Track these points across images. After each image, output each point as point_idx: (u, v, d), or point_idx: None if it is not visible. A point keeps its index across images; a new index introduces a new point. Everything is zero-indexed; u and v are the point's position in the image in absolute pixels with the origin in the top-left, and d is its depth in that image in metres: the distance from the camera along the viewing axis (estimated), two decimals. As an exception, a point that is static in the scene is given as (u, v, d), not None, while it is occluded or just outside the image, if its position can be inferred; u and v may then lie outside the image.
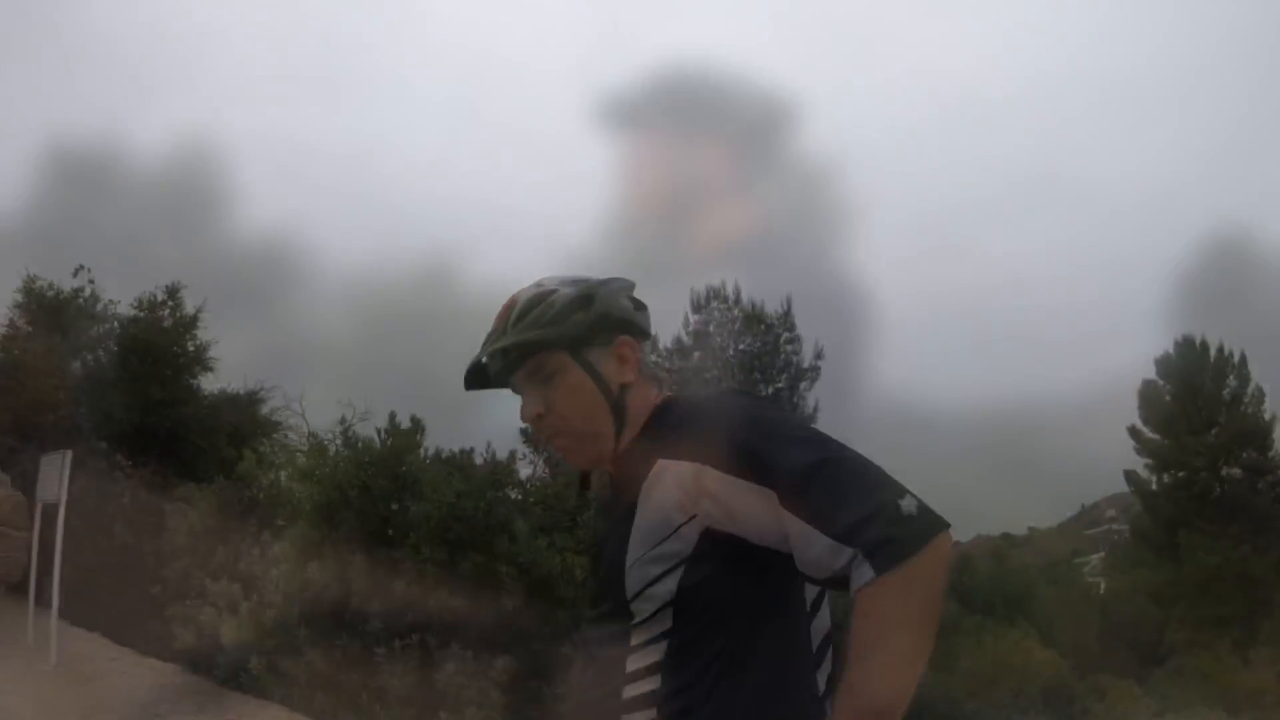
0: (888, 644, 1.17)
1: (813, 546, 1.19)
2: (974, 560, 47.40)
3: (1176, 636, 28.58)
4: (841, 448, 1.28)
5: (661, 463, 1.32)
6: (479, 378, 1.48)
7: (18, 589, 9.72)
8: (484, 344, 1.44)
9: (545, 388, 1.39)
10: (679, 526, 1.28)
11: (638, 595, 1.30)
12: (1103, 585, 40.09)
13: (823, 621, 1.37)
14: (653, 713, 1.27)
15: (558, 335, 1.38)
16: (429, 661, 6.18)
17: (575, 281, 1.44)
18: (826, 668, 1.34)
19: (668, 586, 1.28)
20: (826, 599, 1.37)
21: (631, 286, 1.49)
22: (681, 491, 1.28)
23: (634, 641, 1.30)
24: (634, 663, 1.30)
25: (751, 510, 1.24)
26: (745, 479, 1.24)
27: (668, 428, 1.39)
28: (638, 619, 1.30)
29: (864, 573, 1.15)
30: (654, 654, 1.29)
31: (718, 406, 1.40)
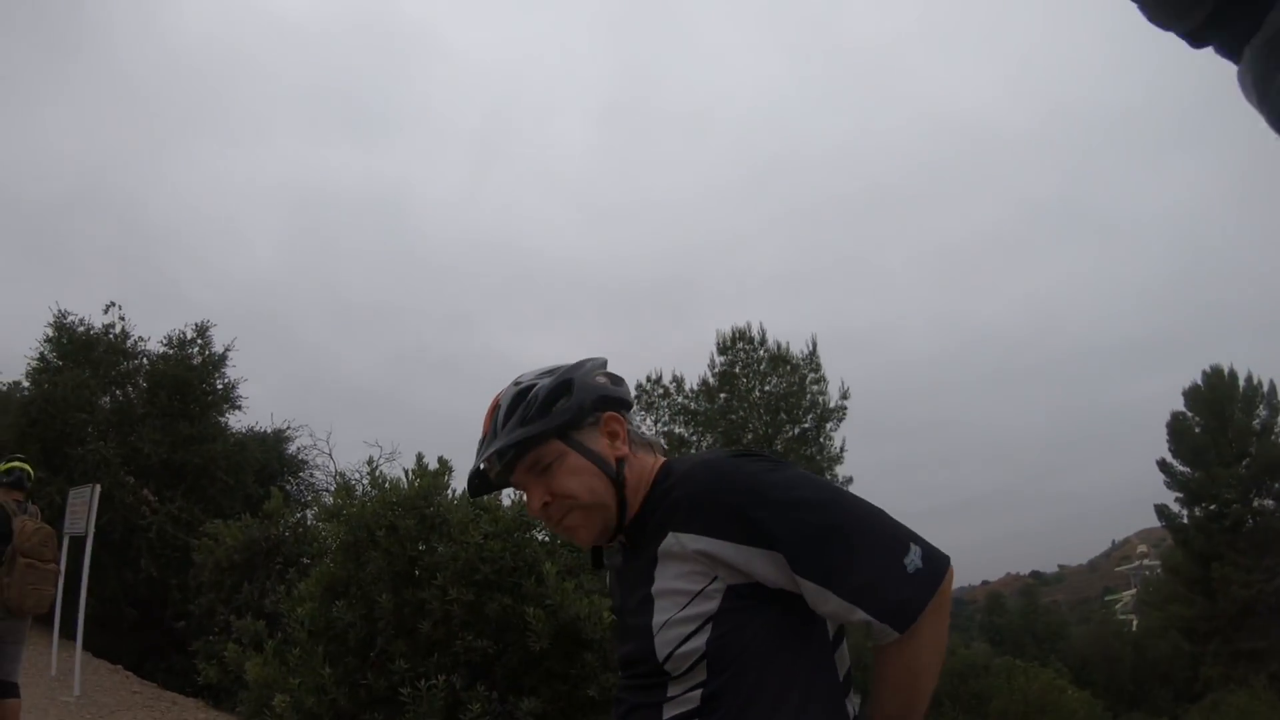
0: (917, 687, 1.32)
1: (828, 603, 1.30)
2: (1004, 599, 46.93)
3: (1211, 672, 28.09)
4: (840, 502, 1.35)
5: (674, 535, 1.39)
6: (482, 484, 1.56)
7: (42, 620, 9.78)
8: (478, 452, 1.52)
9: (546, 477, 1.47)
10: (702, 589, 1.35)
11: (669, 657, 1.36)
12: (1135, 622, 39.52)
13: (845, 652, 1.44)
14: None
15: (546, 426, 1.46)
16: (455, 702, 6.14)
17: (550, 371, 1.54)
18: (854, 697, 1.41)
19: (697, 644, 1.34)
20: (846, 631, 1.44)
21: (604, 364, 1.59)
22: (698, 560, 1.36)
23: (670, 693, 1.36)
24: (670, 710, 1.36)
25: (768, 571, 1.33)
26: (756, 546, 1.32)
27: (673, 496, 1.44)
28: (673, 675, 1.36)
29: (885, 632, 1.28)
30: (689, 702, 1.34)
31: (718, 473, 1.41)
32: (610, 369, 1.61)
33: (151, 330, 13.80)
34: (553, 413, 1.47)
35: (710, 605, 1.34)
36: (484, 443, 1.51)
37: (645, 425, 21.05)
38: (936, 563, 1.30)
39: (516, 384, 1.52)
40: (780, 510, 1.31)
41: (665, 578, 1.39)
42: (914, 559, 1.28)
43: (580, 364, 1.55)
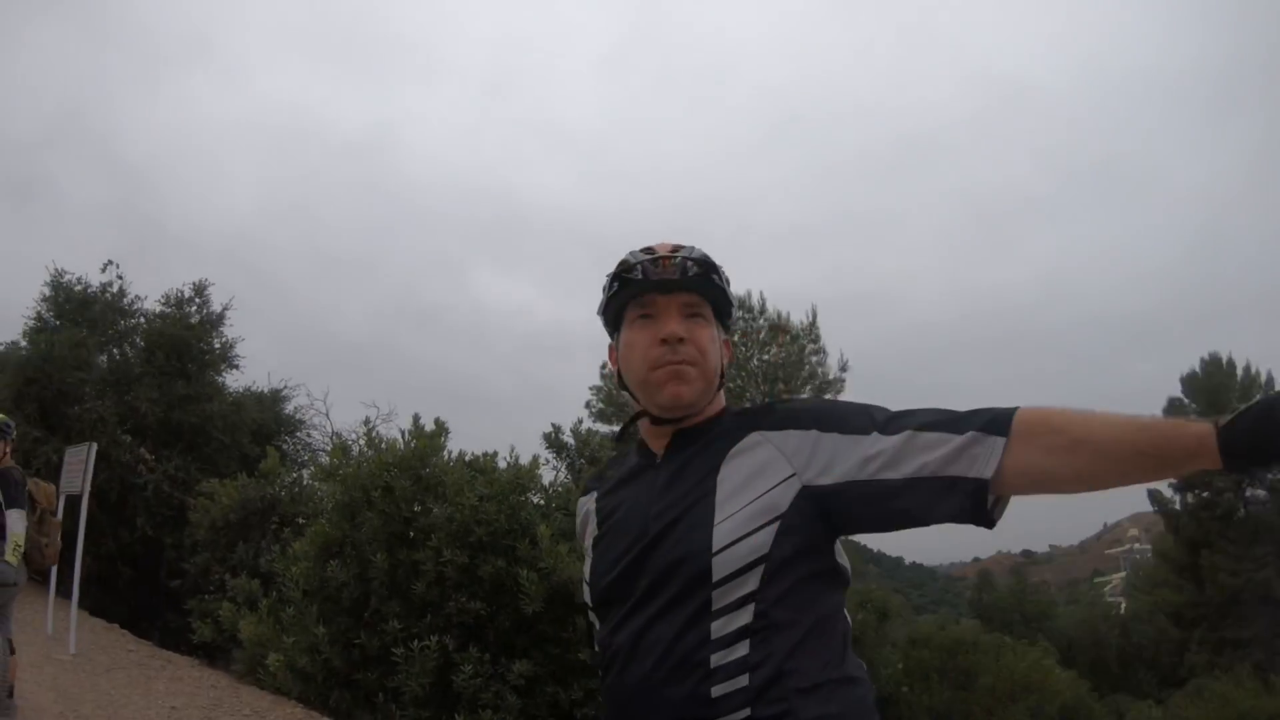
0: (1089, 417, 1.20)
1: (919, 446, 1.26)
2: (994, 576, 47.24)
3: (1197, 658, 28.31)
4: None
5: (759, 434, 1.40)
6: (628, 277, 1.51)
7: (39, 578, 9.82)
8: (676, 246, 1.52)
9: (690, 323, 1.48)
10: (778, 484, 1.34)
11: (724, 549, 1.31)
12: (1123, 605, 39.79)
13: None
14: (745, 679, 1.27)
15: (725, 293, 1.54)
16: (446, 664, 6.18)
17: None
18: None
19: (763, 540, 1.31)
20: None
21: None
22: (782, 454, 1.36)
23: (716, 605, 1.30)
24: (720, 628, 1.29)
25: (850, 454, 1.31)
26: (851, 433, 1.32)
27: (750, 414, 1.47)
28: (719, 577, 1.30)
29: (991, 442, 1.21)
30: (742, 618, 1.29)
31: (804, 399, 1.51)
32: None
33: (143, 283, 13.67)
34: (730, 295, 1.56)
35: (781, 500, 1.32)
36: (681, 249, 1.52)
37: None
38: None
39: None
40: (864, 411, 1.36)
41: (736, 469, 1.38)
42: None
43: None
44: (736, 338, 21.73)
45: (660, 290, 1.49)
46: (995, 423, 1.21)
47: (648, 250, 1.51)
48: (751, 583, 1.29)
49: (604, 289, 1.56)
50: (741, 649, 1.28)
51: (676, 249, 1.50)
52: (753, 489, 1.34)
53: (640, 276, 1.49)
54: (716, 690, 1.27)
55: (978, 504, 1.21)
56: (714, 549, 1.31)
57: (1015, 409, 1.22)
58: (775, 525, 1.31)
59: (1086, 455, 1.17)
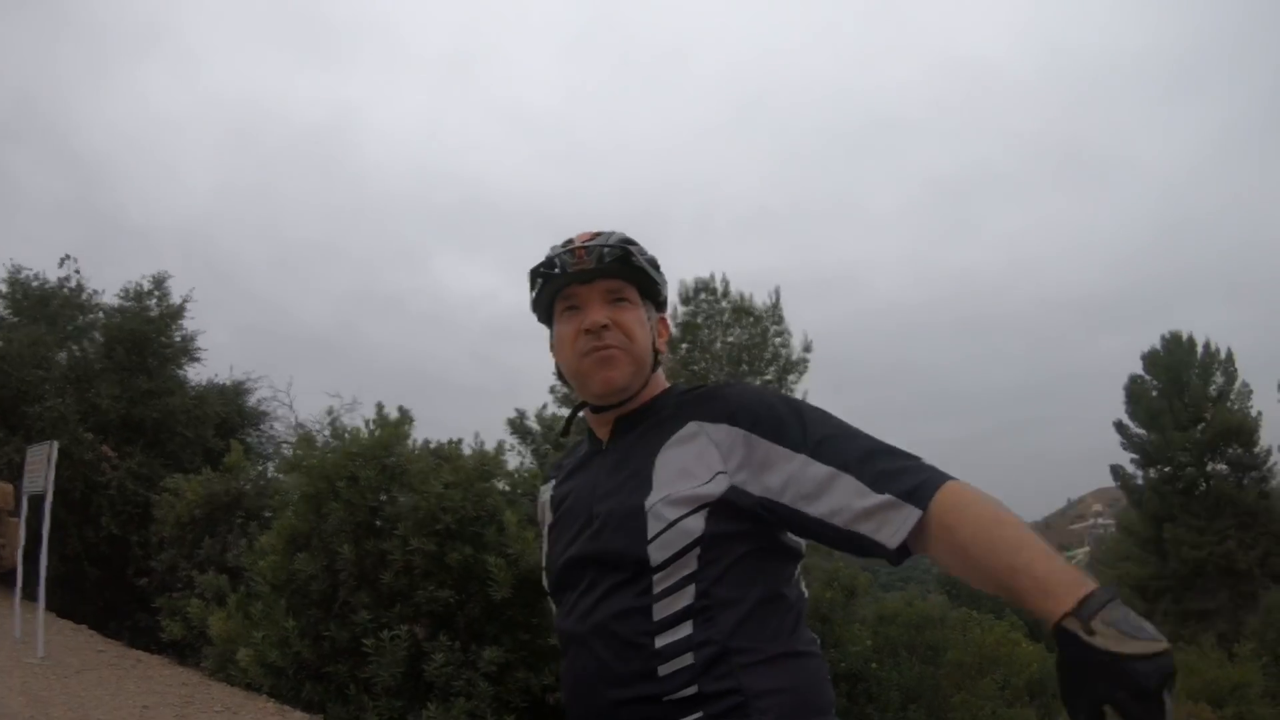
0: (1001, 518, 1.19)
1: (838, 491, 1.27)
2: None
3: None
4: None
5: (696, 424, 1.42)
6: (549, 271, 1.54)
7: (4, 582, 9.68)
8: (592, 235, 1.54)
9: (615, 308, 1.50)
10: (709, 478, 1.36)
11: (659, 535, 1.34)
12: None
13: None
14: (690, 658, 1.30)
15: (649, 276, 1.55)
16: (417, 653, 6.19)
17: None
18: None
19: (695, 524, 1.34)
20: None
21: None
22: (716, 449, 1.37)
23: (657, 589, 1.33)
24: (662, 610, 1.32)
25: (776, 469, 1.33)
26: (781, 445, 1.33)
27: (691, 399, 1.49)
28: (657, 562, 1.34)
29: (906, 512, 1.22)
30: (683, 599, 1.32)
31: (745, 388, 1.48)
32: None
33: (102, 278, 13.47)
34: (657, 275, 1.57)
35: (713, 490, 1.34)
36: (599, 236, 1.54)
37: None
38: (942, 475, 1.27)
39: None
40: (808, 417, 1.36)
41: (672, 459, 1.41)
42: (927, 466, 1.30)
43: None
44: (700, 320, 21.77)
45: (580, 281, 1.51)
46: (916, 494, 1.22)
47: (567, 242, 1.55)
48: (690, 565, 1.33)
49: (530, 286, 1.59)
50: (685, 629, 1.31)
51: (594, 236, 1.53)
52: (687, 479, 1.37)
53: (559, 270, 1.51)
54: (663, 669, 1.30)
55: (884, 556, 1.24)
56: (649, 535, 1.34)
57: (942, 483, 1.23)
58: (706, 510, 1.34)
59: (960, 563, 1.21)
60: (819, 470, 1.29)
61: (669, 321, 1.66)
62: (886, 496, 1.23)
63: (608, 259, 1.49)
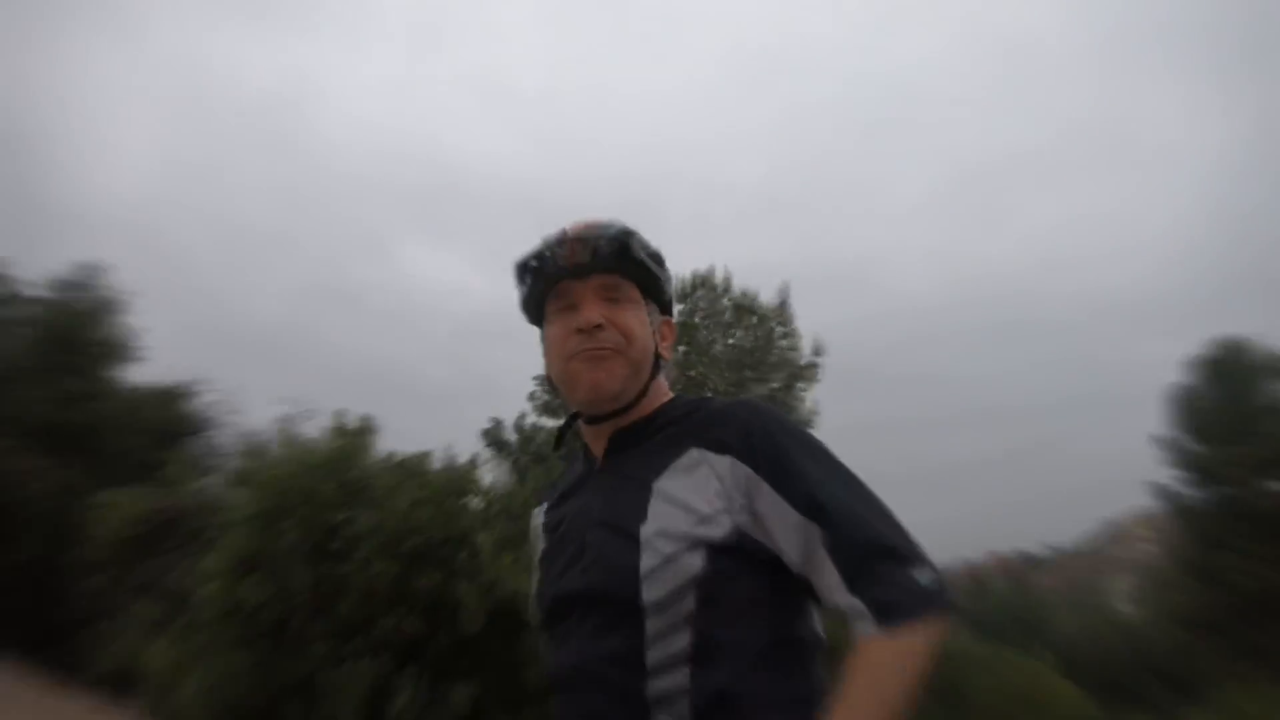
0: (881, 699, 1.24)
1: (823, 572, 1.32)
2: (987, 581, 47.87)
3: (1211, 667, 28.88)
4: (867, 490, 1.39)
5: (699, 450, 1.41)
6: (540, 266, 1.52)
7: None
8: (587, 225, 1.50)
9: (612, 307, 1.49)
10: (711, 514, 1.36)
11: (653, 572, 1.34)
12: (1130, 611, 40.51)
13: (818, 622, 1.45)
14: (685, 707, 1.30)
15: (652, 272, 1.54)
16: (380, 690, 6.18)
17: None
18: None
19: (693, 561, 1.33)
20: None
21: None
22: (721, 484, 1.37)
23: (650, 631, 1.32)
24: (656, 654, 1.32)
25: (771, 521, 1.35)
26: (781, 495, 1.34)
27: (695, 420, 1.47)
28: (650, 601, 1.33)
29: (864, 627, 1.26)
30: (679, 642, 1.31)
31: (754, 412, 1.44)
32: None
33: (31, 267, 13.30)
34: (661, 272, 1.56)
35: (715, 532, 1.34)
36: (597, 224, 1.50)
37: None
38: (942, 595, 1.29)
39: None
40: (821, 467, 1.37)
41: (671, 488, 1.40)
42: (925, 578, 1.29)
43: None
44: (698, 319, 21.68)
45: (575, 276, 1.49)
46: (887, 612, 1.26)
47: (560, 232, 1.51)
48: (688, 605, 1.32)
49: (517, 281, 1.56)
50: (680, 677, 1.30)
51: (590, 226, 1.49)
52: (687, 513, 1.36)
53: (550, 264, 1.50)
54: (659, 715, 1.30)
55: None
56: (642, 572, 1.34)
57: (922, 608, 1.26)
58: (705, 548, 1.34)
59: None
60: (803, 544, 1.32)
61: (674, 324, 1.64)
62: (857, 604, 1.27)
63: (605, 251, 1.48)
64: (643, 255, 1.52)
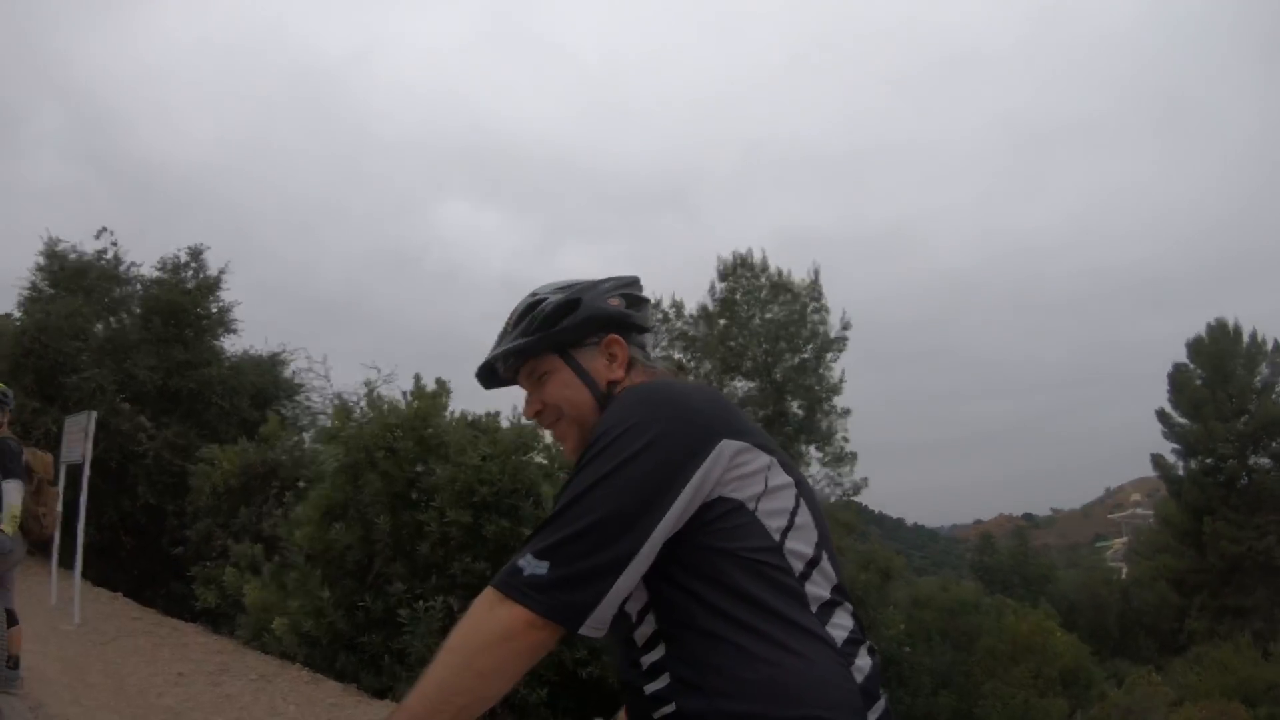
0: (460, 634, 1.21)
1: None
2: (995, 539, 47.63)
3: (1197, 625, 28.54)
4: (600, 481, 1.25)
5: None
6: (491, 378, 1.60)
7: (40, 550, 9.86)
8: (492, 348, 1.56)
9: (540, 387, 1.51)
10: None
11: (625, 601, 1.33)
12: (1124, 570, 40.06)
13: (818, 587, 1.31)
14: (667, 679, 1.30)
15: (543, 340, 1.50)
16: (451, 624, 6.21)
17: (565, 287, 1.54)
18: (840, 628, 1.30)
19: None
20: (826, 560, 1.33)
21: (629, 283, 1.59)
22: None
23: (643, 661, 1.34)
24: (641, 633, 1.34)
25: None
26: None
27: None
28: (634, 631, 1.35)
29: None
30: (652, 623, 1.31)
31: (613, 408, 1.37)
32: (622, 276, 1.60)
33: (138, 249, 13.52)
34: (555, 329, 1.50)
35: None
36: (496, 341, 1.56)
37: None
38: (534, 596, 1.17)
39: (532, 295, 1.56)
40: (590, 456, 1.28)
41: None
42: (533, 567, 1.19)
43: (597, 283, 1.55)
44: (738, 296, 21.66)
45: (513, 381, 1.57)
46: (495, 579, 1.22)
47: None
48: (649, 624, 1.31)
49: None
50: (659, 651, 1.30)
51: (496, 347, 1.54)
52: None
53: (497, 376, 1.58)
54: (656, 715, 1.31)
55: None
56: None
57: (506, 587, 1.20)
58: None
59: None
60: None
61: (618, 337, 1.54)
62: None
63: (512, 363, 1.53)
64: (537, 335, 1.49)
